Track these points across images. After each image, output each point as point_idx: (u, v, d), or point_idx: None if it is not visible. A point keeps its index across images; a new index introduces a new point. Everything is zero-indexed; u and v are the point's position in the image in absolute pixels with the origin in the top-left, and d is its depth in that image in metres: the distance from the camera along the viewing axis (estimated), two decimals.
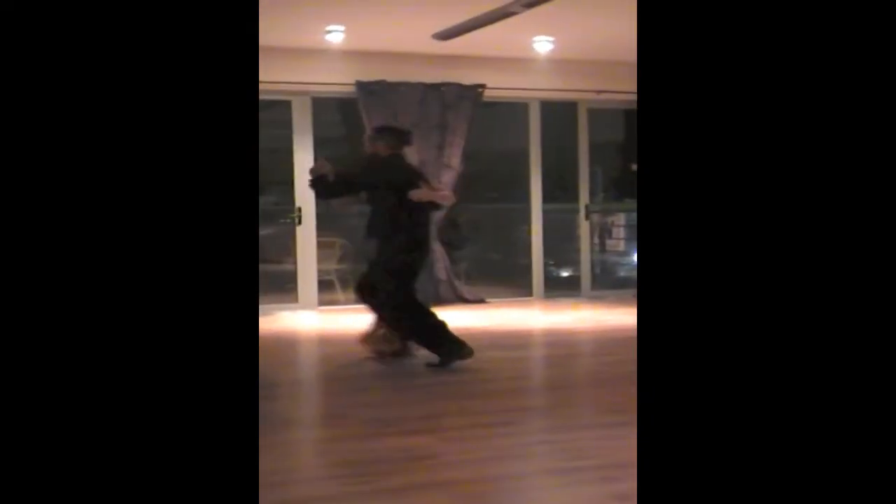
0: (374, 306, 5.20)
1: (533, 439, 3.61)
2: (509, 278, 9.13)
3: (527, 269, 8.74)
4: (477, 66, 8.09)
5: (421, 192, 5.10)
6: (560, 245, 9.14)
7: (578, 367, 5.67)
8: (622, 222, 9.89)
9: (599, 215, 9.48)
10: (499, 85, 8.17)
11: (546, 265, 8.86)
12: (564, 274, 9.33)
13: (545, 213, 8.66)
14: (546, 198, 8.63)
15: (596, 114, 8.76)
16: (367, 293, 5.22)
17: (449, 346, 4.99)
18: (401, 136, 5.36)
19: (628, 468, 2.85)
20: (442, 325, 5.07)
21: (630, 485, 2.73)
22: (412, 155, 7.85)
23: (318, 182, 5.23)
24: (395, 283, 5.04)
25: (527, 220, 8.72)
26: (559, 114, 8.83)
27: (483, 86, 8.17)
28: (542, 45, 7.58)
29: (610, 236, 9.99)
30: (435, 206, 5.37)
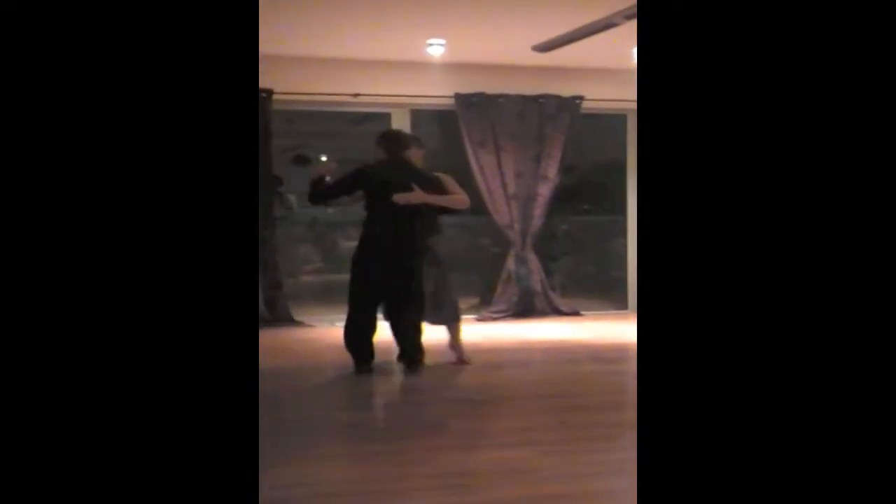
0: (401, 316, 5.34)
1: (634, 454, 3.50)
2: (604, 291, 9.04)
3: (622, 282, 8.64)
4: (575, 77, 8.06)
5: (409, 196, 5.13)
6: None
7: None
8: None
9: None
10: (597, 96, 8.13)
11: None
12: None
13: None
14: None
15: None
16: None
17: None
18: (398, 141, 5.42)
19: None
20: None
21: None
22: (507, 165, 7.90)
23: (314, 185, 5.32)
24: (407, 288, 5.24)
25: (623, 232, 8.63)
26: None
27: (581, 97, 8.13)
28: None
29: None
30: (444, 210, 5.35)
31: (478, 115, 7.92)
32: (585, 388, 4.85)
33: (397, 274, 5.21)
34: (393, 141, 5.43)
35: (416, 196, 5.17)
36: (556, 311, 8.14)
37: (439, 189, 5.32)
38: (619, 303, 8.65)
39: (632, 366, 6.20)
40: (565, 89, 8.10)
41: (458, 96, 7.90)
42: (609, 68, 7.94)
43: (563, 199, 8.55)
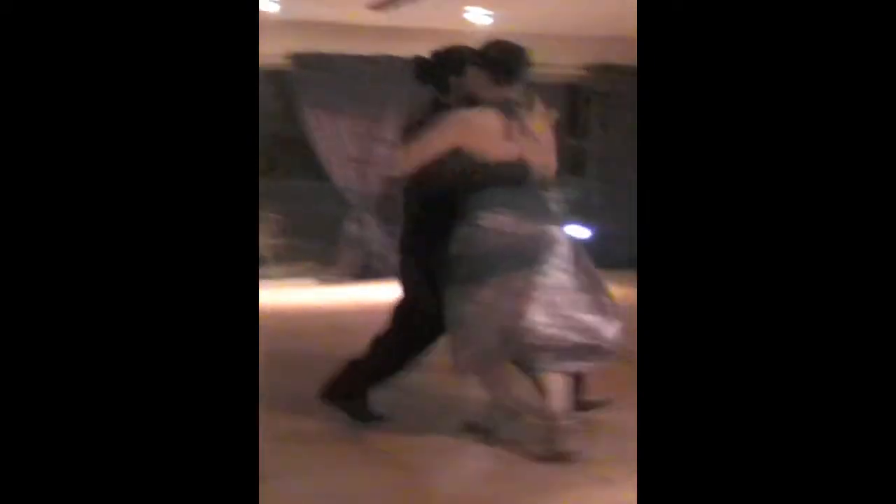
0: None
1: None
2: None
3: None
4: (415, 38, 7.99)
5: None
6: None
7: None
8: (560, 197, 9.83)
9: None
10: None
11: None
12: None
13: None
14: None
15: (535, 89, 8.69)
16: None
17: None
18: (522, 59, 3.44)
19: None
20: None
21: None
22: (345, 127, 7.81)
23: None
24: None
25: None
26: None
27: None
28: (479, 18, 7.52)
29: None
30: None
31: (314, 76, 7.76)
32: None
33: None
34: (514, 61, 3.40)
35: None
36: (396, 274, 8.07)
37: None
38: None
39: None
40: (404, 50, 8.03)
41: (294, 56, 7.71)
42: (447, 29, 7.94)
43: None
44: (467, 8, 7.39)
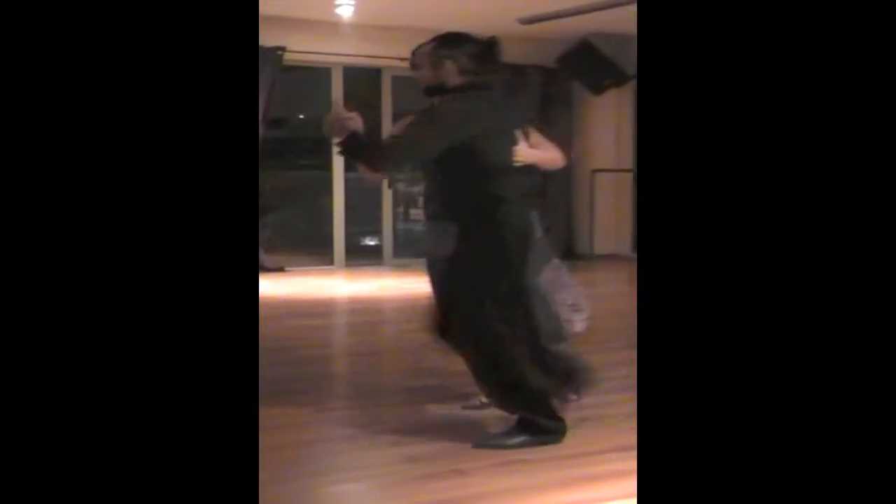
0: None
1: (332, 405, 3.60)
2: (313, 247, 8.93)
3: (330, 239, 8.57)
4: (277, 26, 7.58)
5: (528, 149, 3.17)
6: (366, 214, 8.92)
7: (379, 334, 5.61)
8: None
9: (405, 184, 9.18)
10: (301, 48, 7.88)
11: (351, 234, 8.73)
12: (371, 243, 9.25)
13: (349, 181, 8.45)
14: (350, 167, 7.92)
15: (400, 81, 8.42)
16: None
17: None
18: (494, 51, 3.08)
19: (422, 433, 3.07)
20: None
21: (420, 448, 2.93)
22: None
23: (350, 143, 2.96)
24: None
25: (330, 188, 8.53)
26: (364, 81, 8.56)
27: (283, 48, 7.86)
28: (345, 9, 7.40)
29: (416, 205, 9.58)
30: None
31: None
32: (286, 344, 4.76)
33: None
34: (488, 51, 3.05)
35: (532, 150, 3.21)
36: (261, 268, 7.83)
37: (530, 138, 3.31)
38: (326, 258, 8.59)
39: (336, 319, 6.30)
40: (266, 39, 7.65)
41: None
42: (313, 19, 7.63)
43: (270, 153, 8.23)
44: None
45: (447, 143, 2.90)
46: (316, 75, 8.48)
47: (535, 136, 3.31)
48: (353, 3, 7.16)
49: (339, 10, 7.29)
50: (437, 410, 3.49)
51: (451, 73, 3.03)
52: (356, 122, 2.95)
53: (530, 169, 3.17)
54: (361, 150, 3.03)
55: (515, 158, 3.03)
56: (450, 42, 3.08)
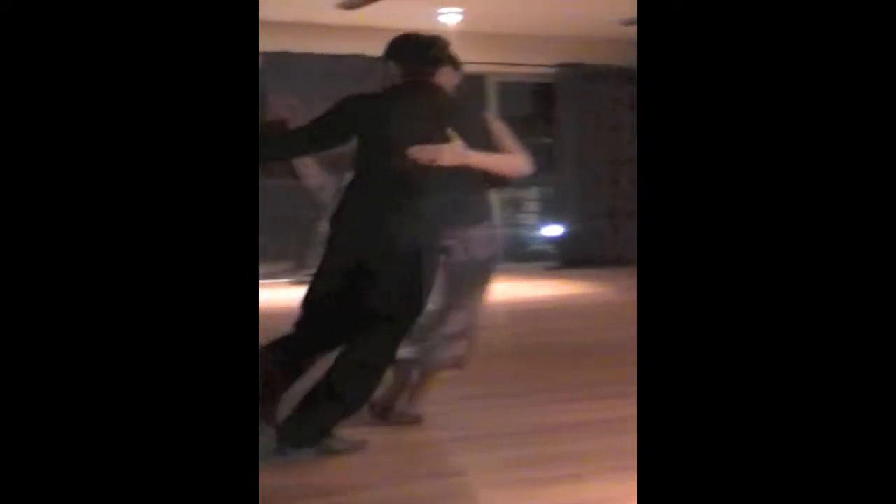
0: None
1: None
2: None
3: None
4: (384, 38, 7.84)
5: (441, 150, 3.01)
6: None
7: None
8: (534, 196, 9.94)
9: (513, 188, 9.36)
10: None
11: None
12: None
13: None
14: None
15: (504, 87, 8.64)
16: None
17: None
18: (425, 51, 3.25)
19: None
20: None
21: None
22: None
23: (268, 132, 3.06)
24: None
25: None
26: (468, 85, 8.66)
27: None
28: (450, 17, 7.43)
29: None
30: (493, 179, 3.28)
31: (282, 75, 7.67)
32: None
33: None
34: (417, 50, 3.17)
35: (454, 153, 3.02)
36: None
37: (489, 142, 3.19)
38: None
39: None
40: (373, 50, 7.87)
41: (263, 55, 7.66)
42: (418, 29, 7.78)
43: None
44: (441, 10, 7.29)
45: (330, 139, 3.12)
46: None
47: (456, 146, 3.02)
48: (460, 10, 7.48)
49: (441, 18, 7.64)
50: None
51: (394, 75, 3.12)
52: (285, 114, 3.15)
53: (474, 178, 3.08)
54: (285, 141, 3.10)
55: (417, 164, 2.90)
56: (392, 43, 3.23)
